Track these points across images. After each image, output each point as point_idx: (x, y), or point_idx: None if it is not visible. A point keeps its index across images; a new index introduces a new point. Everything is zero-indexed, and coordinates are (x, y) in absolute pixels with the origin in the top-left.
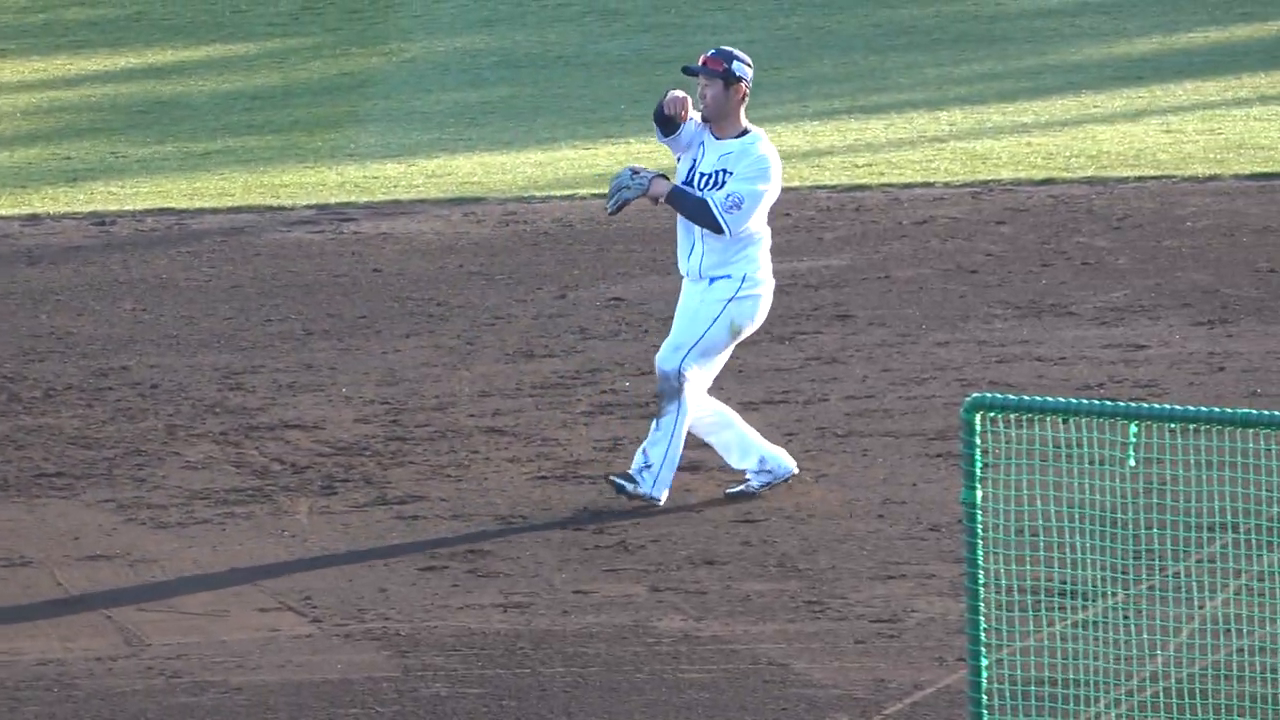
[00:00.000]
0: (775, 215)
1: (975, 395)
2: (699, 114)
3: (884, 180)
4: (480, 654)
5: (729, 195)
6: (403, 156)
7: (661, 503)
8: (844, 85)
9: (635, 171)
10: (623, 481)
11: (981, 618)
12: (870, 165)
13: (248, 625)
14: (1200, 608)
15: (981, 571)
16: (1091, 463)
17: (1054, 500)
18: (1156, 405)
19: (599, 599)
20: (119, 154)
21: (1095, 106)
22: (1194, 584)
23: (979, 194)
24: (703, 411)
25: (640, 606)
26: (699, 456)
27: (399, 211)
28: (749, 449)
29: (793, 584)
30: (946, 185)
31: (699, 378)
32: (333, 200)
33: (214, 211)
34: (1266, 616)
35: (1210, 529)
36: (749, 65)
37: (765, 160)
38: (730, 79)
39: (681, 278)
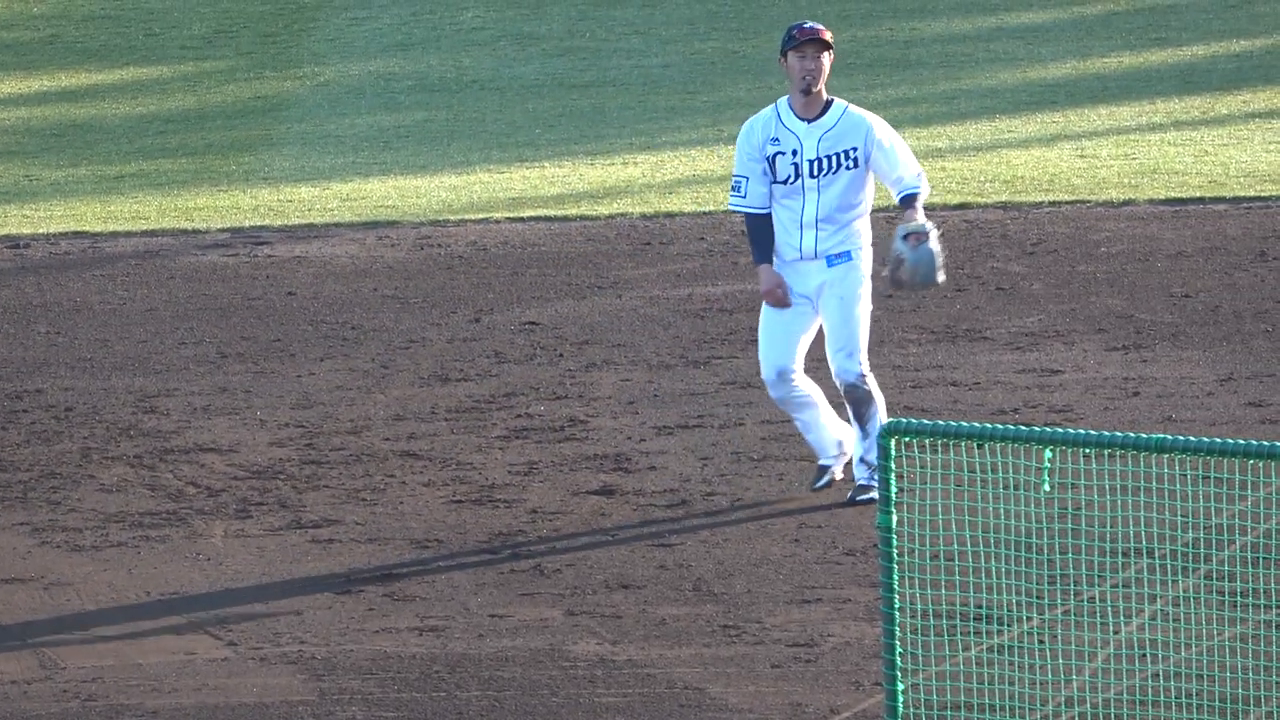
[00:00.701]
0: (691, 239)
1: (890, 420)
2: (798, 95)
3: None
4: (396, 678)
5: (919, 175)
6: (317, 180)
7: None
8: (759, 110)
9: (906, 236)
10: (865, 496)
11: (897, 642)
12: None
13: (163, 649)
14: (1116, 633)
15: (897, 596)
16: (1006, 487)
17: (969, 525)
18: (1071, 430)
19: (515, 623)
20: (32, 177)
21: (1010, 131)
22: (1109, 609)
23: (894, 219)
24: (805, 388)
25: (556, 631)
26: (613, 481)
27: (313, 235)
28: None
29: (708, 608)
30: None
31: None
32: (247, 223)
33: (128, 235)
34: (1182, 642)
35: (1125, 554)
36: None
37: (882, 124)
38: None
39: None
